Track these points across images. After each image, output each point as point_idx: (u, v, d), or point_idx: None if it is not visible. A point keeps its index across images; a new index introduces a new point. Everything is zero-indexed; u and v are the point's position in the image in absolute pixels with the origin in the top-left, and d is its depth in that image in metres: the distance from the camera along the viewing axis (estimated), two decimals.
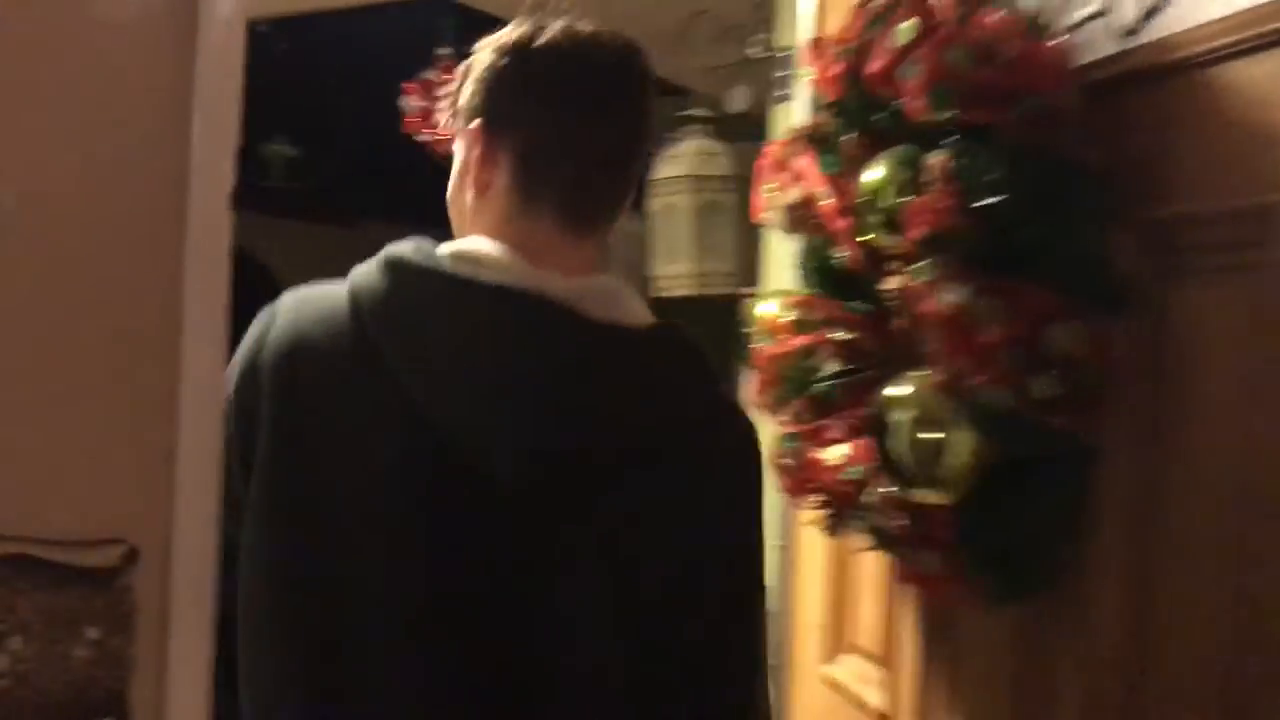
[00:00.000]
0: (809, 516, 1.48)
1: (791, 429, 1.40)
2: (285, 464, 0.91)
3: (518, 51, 0.97)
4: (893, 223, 1.18)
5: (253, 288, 0.93)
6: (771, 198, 1.46)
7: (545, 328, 0.89)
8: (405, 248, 0.94)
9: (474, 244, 0.95)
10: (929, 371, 1.15)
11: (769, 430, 1.32)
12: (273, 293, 1.03)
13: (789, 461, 1.39)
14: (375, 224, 8.44)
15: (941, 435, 1.13)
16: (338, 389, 0.91)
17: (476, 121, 0.99)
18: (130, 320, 0.79)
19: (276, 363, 0.93)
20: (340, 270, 1.04)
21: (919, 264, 1.15)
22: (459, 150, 1.01)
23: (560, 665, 0.90)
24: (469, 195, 1.00)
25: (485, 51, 1.00)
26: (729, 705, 0.98)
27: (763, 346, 1.45)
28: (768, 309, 1.47)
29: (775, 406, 1.44)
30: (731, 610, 0.99)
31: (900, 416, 1.18)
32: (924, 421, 1.15)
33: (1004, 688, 1.28)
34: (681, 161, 2.87)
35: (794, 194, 1.41)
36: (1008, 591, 1.20)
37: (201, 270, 0.83)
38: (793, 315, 1.43)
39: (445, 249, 0.95)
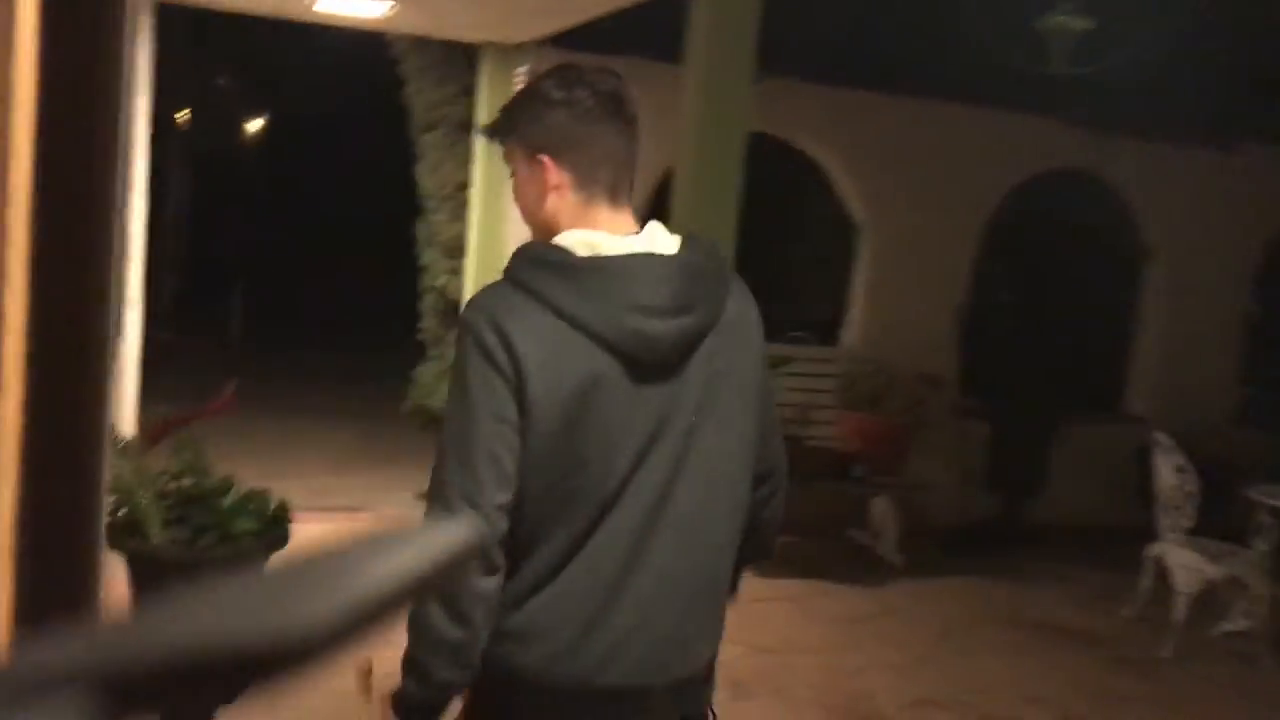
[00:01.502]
0: None
1: None
2: (549, 400, 1.57)
3: (566, 102, 1.67)
4: None
5: None
6: None
7: (656, 268, 1.64)
8: (545, 252, 1.66)
9: (581, 236, 1.65)
10: None
11: None
12: None
13: None
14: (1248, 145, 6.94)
15: None
16: (561, 351, 1.58)
17: (544, 154, 1.67)
18: None
19: (521, 339, 1.57)
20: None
21: None
22: (524, 172, 1.73)
23: (712, 446, 1.69)
24: (545, 203, 1.70)
25: (538, 103, 1.69)
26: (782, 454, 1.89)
27: None
28: None
29: None
30: (770, 401, 1.85)
31: None
32: None
33: None
34: None
35: None
36: None
37: None
38: None
39: (567, 242, 1.64)
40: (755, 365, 1.77)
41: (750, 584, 5.67)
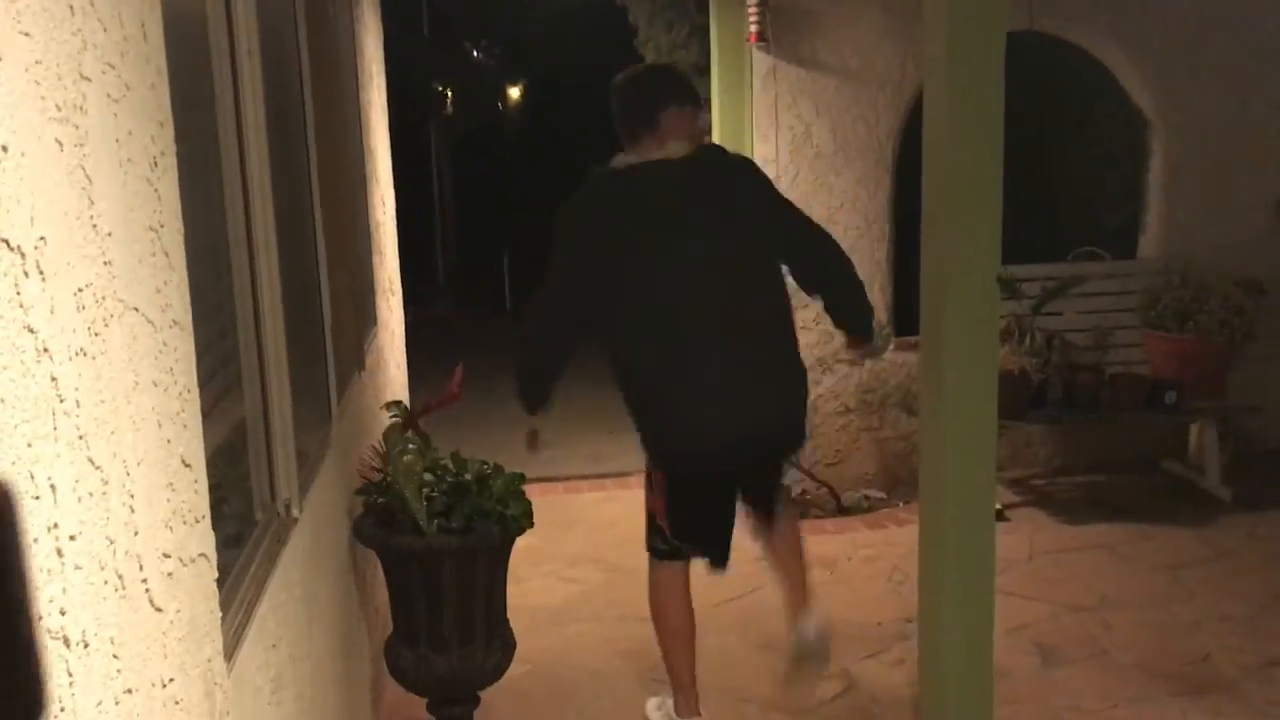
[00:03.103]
0: None
1: None
2: (617, 248, 3.07)
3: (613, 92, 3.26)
4: None
5: None
6: None
7: (661, 168, 3.10)
8: (628, 159, 3.17)
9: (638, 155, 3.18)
10: None
11: None
12: None
13: None
14: None
15: None
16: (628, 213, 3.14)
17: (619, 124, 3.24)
18: None
19: (594, 211, 3.15)
20: None
21: None
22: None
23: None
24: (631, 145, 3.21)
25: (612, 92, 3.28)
26: None
27: None
28: None
29: None
30: (796, 213, 3.37)
31: None
32: None
33: None
34: None
35: None
36: None
37: None
38: None
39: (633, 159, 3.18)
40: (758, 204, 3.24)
41: (1054, 531, 5.19)
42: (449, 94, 17.54)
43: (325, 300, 3.01)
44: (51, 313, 1.01)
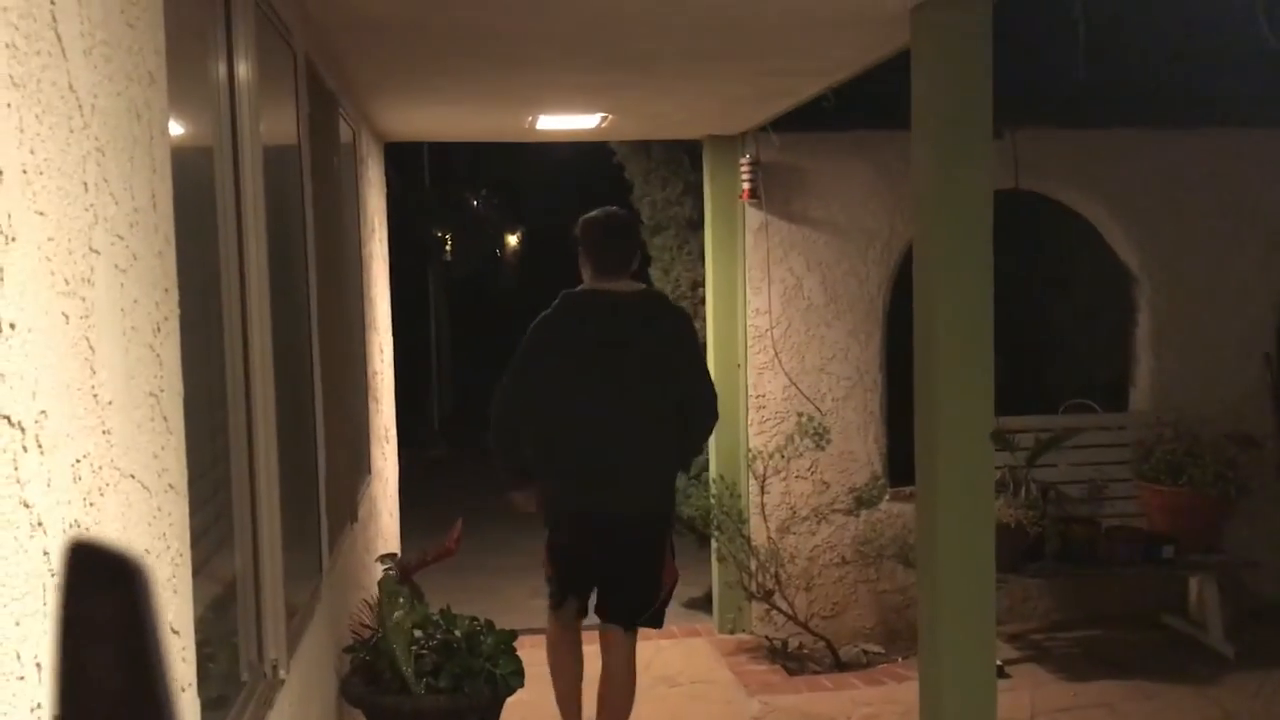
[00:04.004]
0: None
1: None
2: (556, 359, 3.88)
3: (584, 225, 3.98)
4: None
5: None
6: None
7: (614, 298, 3.91)
8: (594, 285, 3.96)
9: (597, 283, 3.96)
10: None
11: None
12: None
13: None
14: None
15: None
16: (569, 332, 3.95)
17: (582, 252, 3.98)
18: None
19: (555, 321, 3.95)
20: None
21: None
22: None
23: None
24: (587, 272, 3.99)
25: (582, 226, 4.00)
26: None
27: None
28: None
29: None
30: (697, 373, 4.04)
31: None
32: None
33: None
34: None
35: None
36: None
37: None
38: None
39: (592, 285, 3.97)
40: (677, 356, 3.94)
41: (1055, 689, 5.07)
42: (448, 240, 17.89)
43: (320, 452, 3.00)
44: (48, 485, 1.01)
